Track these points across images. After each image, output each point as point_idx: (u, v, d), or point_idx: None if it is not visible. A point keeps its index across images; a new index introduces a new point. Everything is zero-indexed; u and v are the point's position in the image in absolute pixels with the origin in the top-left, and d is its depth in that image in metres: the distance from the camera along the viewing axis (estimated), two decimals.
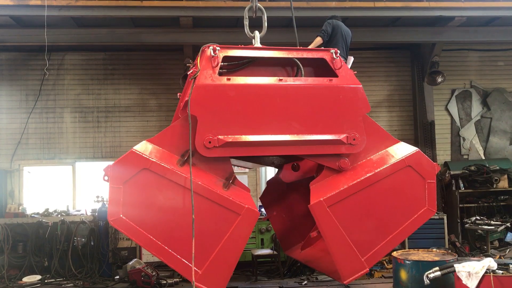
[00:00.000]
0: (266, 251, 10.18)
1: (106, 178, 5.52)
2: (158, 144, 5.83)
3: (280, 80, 6.15)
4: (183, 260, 5.60)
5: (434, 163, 6.51)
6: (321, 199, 5.87)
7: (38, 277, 9.87)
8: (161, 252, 5.61)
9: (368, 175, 6.13)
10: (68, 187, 12.04)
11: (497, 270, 5.95)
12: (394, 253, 7.80)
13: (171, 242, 5.60)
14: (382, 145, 6.46)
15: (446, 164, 12.56)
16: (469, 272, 6.04)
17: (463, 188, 11.82)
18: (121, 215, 5.50)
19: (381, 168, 6.19)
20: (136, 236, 5.61)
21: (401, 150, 6.40)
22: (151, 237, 5.58)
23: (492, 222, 10.43)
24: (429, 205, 6.34)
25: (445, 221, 10.89)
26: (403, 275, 7.37)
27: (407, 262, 7.33)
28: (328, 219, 5.87)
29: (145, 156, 5.61)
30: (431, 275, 6.47)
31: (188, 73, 6.63)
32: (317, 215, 5.87)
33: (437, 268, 6.55)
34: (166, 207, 5.64)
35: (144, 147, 5.73)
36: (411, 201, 6.30)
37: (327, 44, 8.04)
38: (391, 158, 6.31)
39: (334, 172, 6.23)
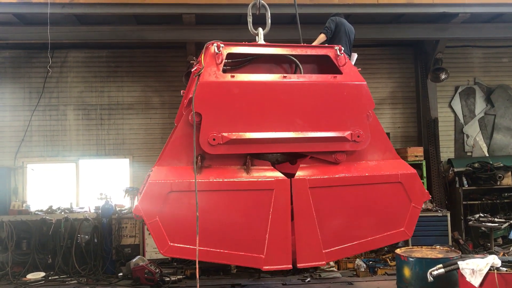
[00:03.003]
0: None
1: (137, 216, 5.53)
2: (167, 164, 5.84)
3: (284, 77, 6.15)
4: (242, 253, 5.69)
5: (426, 191, 6.49)
6: (306, 177, 5.90)
7: (42, 274, 9.88)
8: (221, 257, 5.69)
9: (358, 174, 6.14)
10: (72, 184, 12.05)
11: (501, 268, 5.91)
12: (397, 250, 7.78)
13: (224, 244, 5.66)
14: (383, 155, 6.46)
15: (449, 161, 12.53)
16: (473, 269, 6.00)
17: (467, 185, 11.81)
18: (170, 243, 5.52)
19: (373, 173, 6.20)
20: (193, 255, 5.61)
21: (399, 166, 6.40)
22: (206, 248, 5.60)
23: (496, 220, 10.39)
24: (407, 228, 6.30)
25: (449, 218, 10.86)
26: (407, 272, 7.33)
27: (411, 259, 7.30)
28: (305, 198, 5.88)
29: (164, 181, 5.62)
30: (435, 273, 6.44)
31: (191, 70, 6.63)
32: (296, 190, 5.88)
33: (440, 265, 6.51)
34: (203, 216, 5.63)
35: (158, 174, 5.73)
36: (390, 217, 6.27)
37: (331, 41, 8.02)
38: (386, 169, 6.31)
39: (323, 166, 6.24)
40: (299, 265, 5.94)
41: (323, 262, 6.06)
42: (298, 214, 5.89)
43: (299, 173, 5.98)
